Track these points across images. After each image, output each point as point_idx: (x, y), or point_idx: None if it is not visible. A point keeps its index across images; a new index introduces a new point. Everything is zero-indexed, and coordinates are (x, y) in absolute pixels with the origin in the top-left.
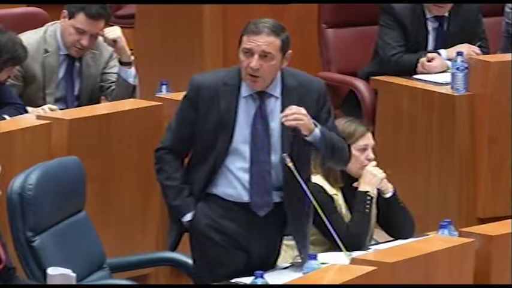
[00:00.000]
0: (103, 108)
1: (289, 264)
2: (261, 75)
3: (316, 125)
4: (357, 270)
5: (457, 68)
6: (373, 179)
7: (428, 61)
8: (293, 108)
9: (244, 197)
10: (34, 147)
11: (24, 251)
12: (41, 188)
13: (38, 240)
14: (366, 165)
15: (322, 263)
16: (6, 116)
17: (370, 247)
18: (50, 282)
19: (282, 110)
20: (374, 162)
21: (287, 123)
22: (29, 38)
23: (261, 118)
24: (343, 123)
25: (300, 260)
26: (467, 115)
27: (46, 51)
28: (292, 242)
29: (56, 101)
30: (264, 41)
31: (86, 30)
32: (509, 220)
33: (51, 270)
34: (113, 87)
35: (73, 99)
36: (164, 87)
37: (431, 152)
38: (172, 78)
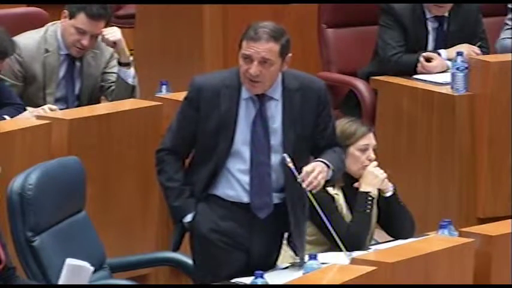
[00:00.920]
0: (103, 108)
1: (289, 264)
2: (260, 81)
3: (328, 166)
4: (357, 270)
5: (457, 68)
6: (374, 179)
7: (428, 61)
8: (308, 172)
9: (244, 199)
10: (34, 147)
11: (24, 251)
12: (41, 188)
13: (38, 240)
14: (366, 166)
15: (322, 263)
16: (6, 116)
17: (370, 247)
18: (65, 271)
19: (283, 113)
20: (375, 163)
21: (316, 190)
22: (30, 38)
23: (260, 121)
24: (344, 123)
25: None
26: (467, 115)
27: (47, 51)
28: None
29: (56, 101)
30: (264, 48)
31: (86, 31)
32: (509, 220)
33: (70, 261)
34: (113, 87)
35: (74, 99)
36: (164, 87)
37: (431, 152)
38: (172, 78)
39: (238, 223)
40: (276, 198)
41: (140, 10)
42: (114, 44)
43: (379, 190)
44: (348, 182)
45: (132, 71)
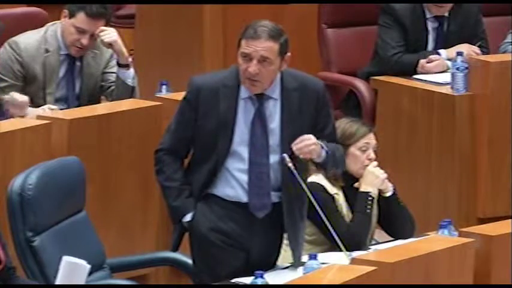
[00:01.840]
0: (103, 108)
1: (289, 264)
2: (259, 80)
3: (322, 147)
4: (357, 270)
5: (457, 68)
6: (374, 179)
7: (428, 62)
8: (304, 139)
9: (243, 198)
10: (34, 147)
11: (24, 251)
12: (41, 188)
13: (38, 240)
14: (367, 165)
15: (322, 263)
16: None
17: (370, 247)
18: (62, 268)
19: (282, 112)
20: (375, 163)
21: (303, 156)
22: (30, 38)
23: (259, 120)
24: (345, 124)
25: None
26: (467, 115)
27: (47, 51)
28: None
29: (56, 100)
30: (263, 47)
31: (86, 30)
32: (509, 220)
33: (67, 258)
34: (112, 87)
35: (74, 99)
36: (164, 87)
37: (431, 152)
38: (172, 78)
39: (237, 223)
40: (275, 197)
41: (140, 10)
42: (110, 46)
43: (379, 190)
44: (348, 182)
45: (131, 71)
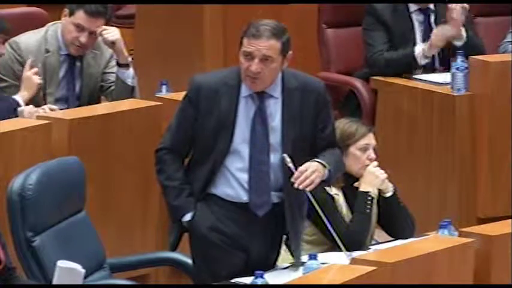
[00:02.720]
0: (103, 108)
1: (289, 264)
2: (261, 78)
3: (325, 166)
4: (357, 270)
5: (457, 68)
6: (374, 179)
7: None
8: (302, 171)
9: (243, 197)
10: (34, 147)
11: (24, 251)
12: (41, 188)
13: (38, 240)
14: (367, 165)
15: (322, 263)
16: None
17: (370, 247)
18: (57, 274)
19: (282, 111)
20: (375, 163)
21: (309, 189)
22: (30, 38)
23: (260, 118)
24: (345, 124)
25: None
26: (467, 115)
27: (47, 51)
28: None
29: (57, 101)
30: (265, 45)
31: (84, 27)
32: (509, 220)
33: (61, 263)
34: (112, 87)
35: (74, 99)
36: (164, 87)
37: (431, 152)
38: (172, 78)
39: (237, 223)
40: (274, 197)
41: (140, 10)
42: (112, 44)
43: (379, 190)
44: (348, 182)
45: (131, 71)
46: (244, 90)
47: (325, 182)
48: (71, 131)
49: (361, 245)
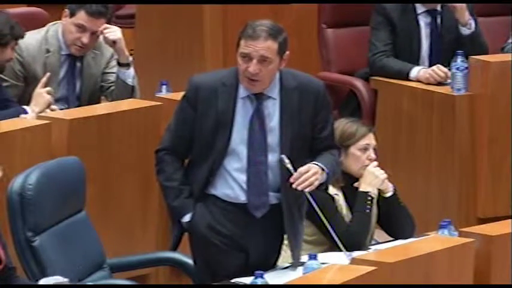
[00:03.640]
0: (103, 108)
1: (289, 264)
2: (259, 79)
3: (323, 169)
4: (357, 270)
5: (457, 68)
6: (374, 179)
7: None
8: (302, 172)
9: (242, 198)
10: (34, 147)
11: (24, 251)
12: (41, 188)
13: (38, 240)
14: (367, 165)
15: (322, 263)
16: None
17: (370, 247)
18: None
19: (281, 111)
20: (375, 163)
21: (308, 190)
22: (31, 38)
23: (258, 119)
24: (345, 124)
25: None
26: (467, 115)
27: (48, 51)
28: None
29: (57, 101)
30: (262, 46)
31: (86, 27)
32: (509, 220)
33: (44, 281)
34: (112, 88)
35: (74, 99)
36: (164, 87)
37: (431, 152)
38: (172, 78)
39: (236, 224)
40: (273, 198)
41: (140, 10)
42: (113, 43)
43: (380, 190)
44: (348, 182)
45: (131, 71)
46: (242, 91)
47: (322, 185)
48: (71, 131)
49: (361, 245)
